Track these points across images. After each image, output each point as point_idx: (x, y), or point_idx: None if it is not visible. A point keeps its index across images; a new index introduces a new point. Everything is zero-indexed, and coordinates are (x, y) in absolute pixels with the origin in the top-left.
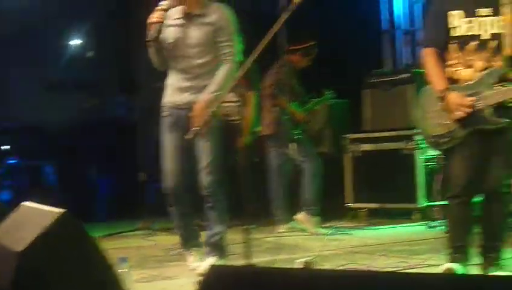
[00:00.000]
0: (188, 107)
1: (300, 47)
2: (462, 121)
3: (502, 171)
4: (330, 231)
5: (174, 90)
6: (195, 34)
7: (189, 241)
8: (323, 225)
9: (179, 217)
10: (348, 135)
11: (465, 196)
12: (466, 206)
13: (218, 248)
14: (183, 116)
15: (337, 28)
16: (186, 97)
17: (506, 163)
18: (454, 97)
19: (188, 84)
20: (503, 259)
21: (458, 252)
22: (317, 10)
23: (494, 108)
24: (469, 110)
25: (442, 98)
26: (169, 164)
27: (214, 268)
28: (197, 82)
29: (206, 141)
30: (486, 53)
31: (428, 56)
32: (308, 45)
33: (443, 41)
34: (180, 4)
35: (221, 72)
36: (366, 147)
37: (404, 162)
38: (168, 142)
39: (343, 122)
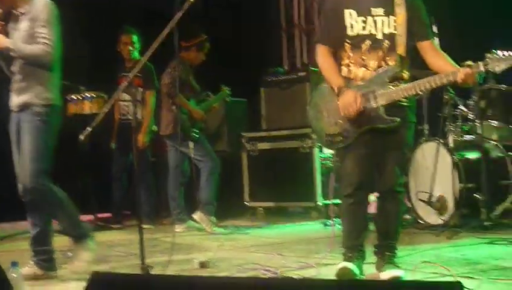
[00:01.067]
0: (17, 109)
1: (192, 43)
2: (355, 120)
3: (395, 170)
4: (227, 230)
5: (11, 94)
6: (18, 34)
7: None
8: (220, 224)
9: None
10: (245, 134)
11: (359, 195)
12: (360, 205)
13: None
14: (14, 119)
15: (236, 26)
16: (15, 100)
17: (400, 162)
18: (350, 94)
19: (16, 85)
20: (397, 257)
21: (353, 251)
22: (216, 8)
23: (387, 107)
24: (361, 107)
25: (338, 95)
26: (16, 166)
27: (96, 275)
28: (22, 84)
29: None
30: (379, 52)
31: (322, 54)
32: (200, 39)
33: (337, 40)
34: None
35: (31, 46)
36: (264, 145)
37: (301, 160)
38: (13, 146)
39: (241, 121)
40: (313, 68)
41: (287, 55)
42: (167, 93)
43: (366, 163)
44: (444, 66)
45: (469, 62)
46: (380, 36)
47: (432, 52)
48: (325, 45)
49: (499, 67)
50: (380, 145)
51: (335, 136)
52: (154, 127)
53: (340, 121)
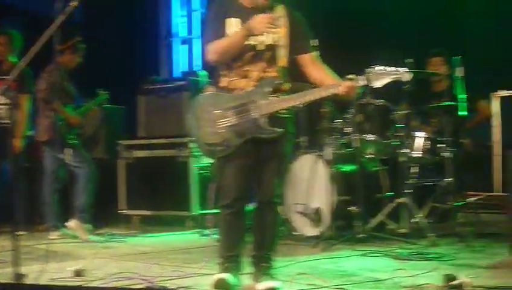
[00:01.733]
0: None
1: (66, 45)
2: (236, 130)
3: (274, 181)
4: (103, 238)
5: None
6: None
7: None
8: (96, 232)
9: None
10: (122, 141)
11: (237, 205)
12: (238, 215)
13: None
14: None
15: (115, 33)
16: None
17: (278, 173)
18: (256, 17)
19: None
20: (274, 268)
21: (230, 261)
22: (97, 13)
23: (268, 118)
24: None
25: (249, 28)
26: None
27: None
28: None
29: None
30: (261, 63)
31: (213, 44)
32: (73, 41)
33: None
34: None
35: None
36: (140, 153)
37: (178, 169)
38: None
39: (118, 128)
40: (192, 78)
41: (166, 64)
42: (43, 99)
43: (246, 174)
44: (325, 79)
45: (351, 76)
46: (262, 47)
47: (313, 65)
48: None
49: (379, 82)
50: (260, 156)
51: (216, 145)
52: (29, 132)
53: (221, 131)
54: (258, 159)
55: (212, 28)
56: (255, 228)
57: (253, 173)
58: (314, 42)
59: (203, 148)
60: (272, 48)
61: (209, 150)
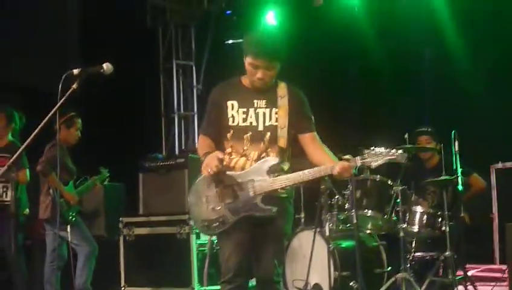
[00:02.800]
0: None
1: (60, 122)
2: (232, 207)
3: (272, 259)
4: None
5: None
6: None
7: None
8: None
9: None
10: (123, 219)
11: (237, 281)
12: None
13: None
14: None
15: (115, 108)
16: None
17: (277, 251)
18: (212, 155)
19: None
20: None
21: None
22: (93, 90)
23: (265, 196)
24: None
25: (203, 161)
26: None
27: None
28: None
29: None
30: (260, 144)
31: (200, 141)
32: (66, 116)
33: (220, 130)
34: None
35: None
36: (141, 230)
37: (178, 246)
38: None
39: (119, 205)
40: (192, 155)
41: (166, 142)
42: (41, 172)
43: (245, 249)
44: (323, 159)
45: (347, 156)
46: (261, 128)
47: (313, 144)
48: (205, 135)
49: (375, 163)
50: (258, 234)
51: (212, 221)
52: (26, 211)
53: (219, 208)
54: (256, 237)
55: (207, 113)
56: None
57: (250, 249)
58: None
59: (198, 224)
60: (271, 128)
61: (206, 226)
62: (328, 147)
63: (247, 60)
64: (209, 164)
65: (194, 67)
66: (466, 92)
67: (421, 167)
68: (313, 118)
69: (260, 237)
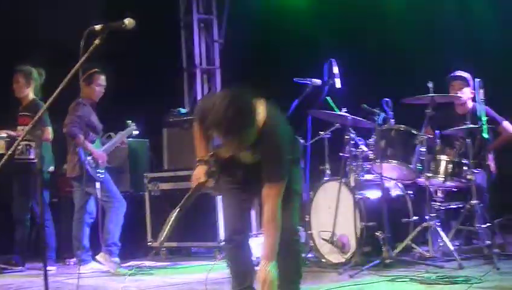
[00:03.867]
0: None
1: (82, 79)
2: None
3: (288, 219)
4: (131, 271)
5: None
6: None
7: None
8: (124, 265)
9: None
10: (147, 174)
11: (237, 239)
12: (240, 249)
13: None
14: None
15: (138, 66)
16: None
17: (290, 211)
18: (199, 170)
19: None
20: None
21: None
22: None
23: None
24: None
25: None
26: None
27: None
28: None
29: None
30: None
31: (195, 129)
32: (87, 73)
33: None
34: None
35: None
36: (166, 186)
37: (204, 201)
38: None
39: (144, 161)
40: None
41: (189, 96)
42: (68, 133)
43: (243, 209)
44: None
45: None
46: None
47: (266, 197)
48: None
49: None
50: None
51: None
52: (51, 168)
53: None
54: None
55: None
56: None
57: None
58: None
59: None
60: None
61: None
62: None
63: None
64: (196, 177)
65: (215, 21)
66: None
67: (449, 115)
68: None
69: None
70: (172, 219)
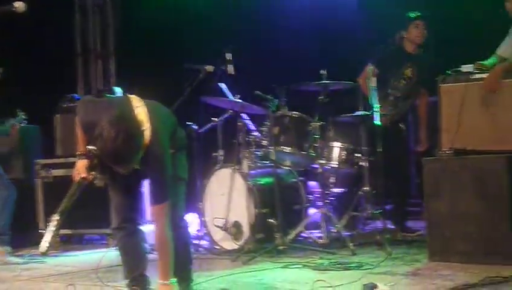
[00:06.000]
0: None
1: None
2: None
3: (174, 206)
4: (23, 260)
5: None
6: None
7: None
8: (15, 253)
9: None
10: (39, 161)
11: (127, 227)
12: (130, 236)
13: None
14: None
15: (30, 51)
16: None
17: (175, 197)
18: (79, 164)
19: None
20: (195, 284)
21: (135, 282)
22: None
23: None
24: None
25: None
26: None
27: None
28: None
29: None
30: None
31: (78, 129)
32: None
33: None
34: None
35: None
36: (58, 172)
37: (95, 187)
38: None
39: (35, 147)
40: (108, 95)
41: (84, 82)
42: None
43: (129, 195)
44: None
45: None
46: None
47: None
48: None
49: None
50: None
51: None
52: None
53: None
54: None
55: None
56: None
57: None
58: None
59: None
60: None
61: None
62: None
63: None
64: (79, 170)
65: (109, 5)
66: None
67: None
68: None
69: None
70: (53, 227)
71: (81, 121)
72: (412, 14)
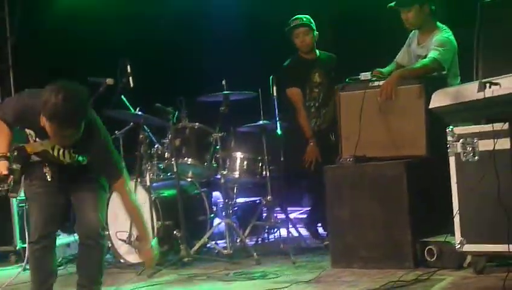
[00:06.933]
0: None
1: None
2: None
3: (94, 214)
4: None
5: None
6: None
7: None
8: None
9: None
10: None
11: (43, 241)
12: (46, 251)
13: None
14: None
15: None
16: None
17: (96, 206)
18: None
19: None
20: None
21: None
22: None
23: None
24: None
25: None
26: None
27: None
28: None
29: None
30: None
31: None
32: None
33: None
34: None
35: None
36: None
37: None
38: None
39: None
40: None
41: None
42: None
43: (50, 209)
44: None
45: None
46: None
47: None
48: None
49: None
50: (72, 190)
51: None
52: None
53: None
54: (72, 193)
55: (16, 102)
56: (81, 264)
57: (61, 207)
58: None
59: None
60: None
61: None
62: None
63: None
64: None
65: (7, 18)
66: None
67: (301, 64)
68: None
69: (76, 193)
70: None
71: (15, 109)
72: (288, 25)
